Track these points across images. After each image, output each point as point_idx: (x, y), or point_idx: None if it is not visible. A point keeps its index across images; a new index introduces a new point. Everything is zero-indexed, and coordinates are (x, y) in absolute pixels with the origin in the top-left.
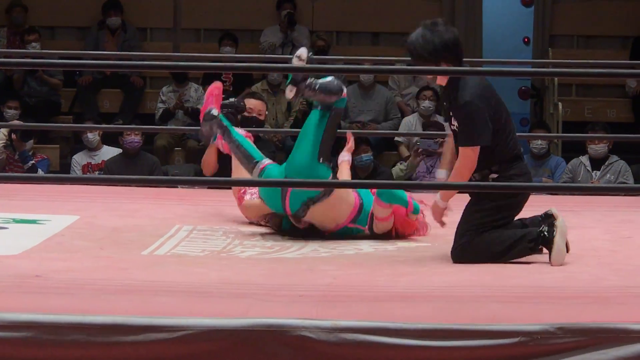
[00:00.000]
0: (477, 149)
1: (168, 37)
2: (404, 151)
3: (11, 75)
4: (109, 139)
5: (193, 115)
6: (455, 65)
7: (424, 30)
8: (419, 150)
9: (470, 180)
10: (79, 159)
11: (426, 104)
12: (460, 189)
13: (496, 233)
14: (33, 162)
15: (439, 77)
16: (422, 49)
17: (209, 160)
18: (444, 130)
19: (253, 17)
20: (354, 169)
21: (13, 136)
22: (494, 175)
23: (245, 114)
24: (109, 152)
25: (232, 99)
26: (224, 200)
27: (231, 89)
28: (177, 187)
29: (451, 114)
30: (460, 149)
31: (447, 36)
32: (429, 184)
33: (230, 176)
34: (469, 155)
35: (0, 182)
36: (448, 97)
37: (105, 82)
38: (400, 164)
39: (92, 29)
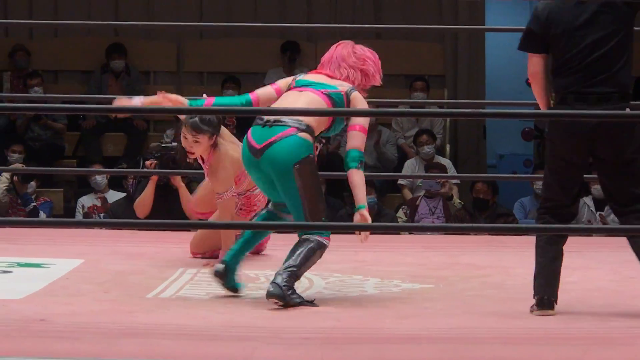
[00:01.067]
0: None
1: (171, 81)
2: (407, 194)
3: (15, 119)
4: (114, 182)
5: None
6: None
7: None
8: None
9: None
10: (85, 202)
11: (425, 149)
12: None
13: None
14: (34, 204)
15: None
16: None
17: (146, 202)
18: (446, 171)
19: (256, 60)
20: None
21: (15, 179)
22: None
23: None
24: (115, 195)
25: (167, 143)
26: None
27: (234, 132)
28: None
29: None
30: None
31: None
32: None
33: (166, 217)
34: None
35: (2, 226)
36: None
37: (108, 126)
38: (403, 208)
39: (95, 72)
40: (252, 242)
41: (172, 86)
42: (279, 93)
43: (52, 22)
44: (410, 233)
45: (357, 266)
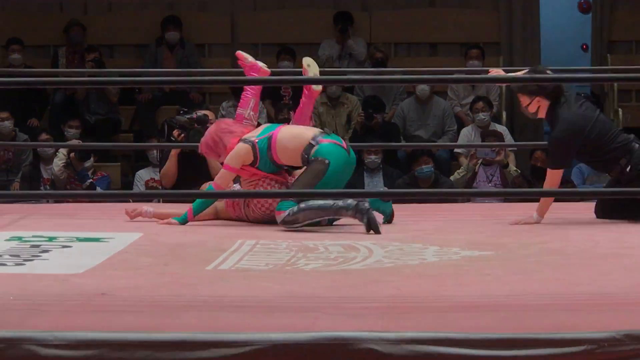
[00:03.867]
0: (560, 171)
1: (226, 53)
2: (463, 161)
3: (72, 94)
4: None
5: None
6: (552, 101)
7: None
8: (475, 155)
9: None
10: (143, 175)
11: (481, 116)
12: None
13: None
14: (91, 180)
15: (539, 111)
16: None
17: (171, 171)
18: (502, 139)
19: (310, 31)
20: (416, 179)
21: (71, 155)
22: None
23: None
24: None
25: (195, 113)
26: None
27: (290, 102)
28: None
29: None
30: (548, 170)
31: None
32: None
33: (190, 187)
34: (553, 176)
35: (60, 201)
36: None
37: (164, 99)
38: (458, 172)
39: (150, 46)
40: None
41: (226, 58)
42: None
43: None
44: (468, 200)
45: (416, 234)
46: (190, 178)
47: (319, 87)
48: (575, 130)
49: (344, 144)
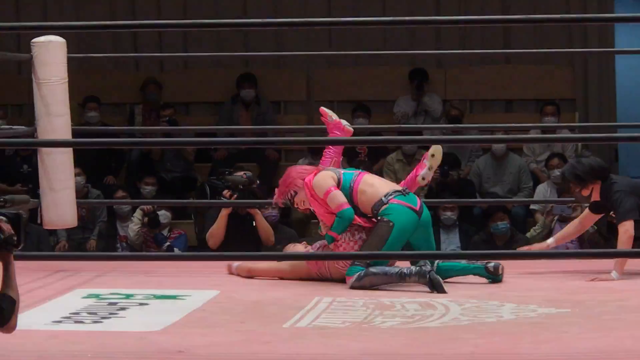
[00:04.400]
0: (630, 222)
1: (302, 110)
2: (539, 218)
3: (148, 152)
4: None
5: None
6: (603, 181)
7: (578, 159)
8: (551, 212)
9: None
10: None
11: (556, 172)
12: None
13: None
14: (168, 243)
15: (593, 194)
16: (576, 170)
17: (219, 232)
18: None
19: (386, 88)
20: (492, 236)
21: (144, 221)
22: None
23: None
24: None
25: (245, 174)
26: None
27: (366, 159)
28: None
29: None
30: (619, 226)
31: (594, 162)
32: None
33: (236, 249)
34: (625, 230)
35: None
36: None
37: (240, 157)
38: (534, 229)
39: (226, 103)
40: None
41: (302, 115)
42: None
43: (182, 55)
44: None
45: (493, 292)
46: (237, 240)
47: (422, 183)
48: (633, 185)
49: (417, 205)
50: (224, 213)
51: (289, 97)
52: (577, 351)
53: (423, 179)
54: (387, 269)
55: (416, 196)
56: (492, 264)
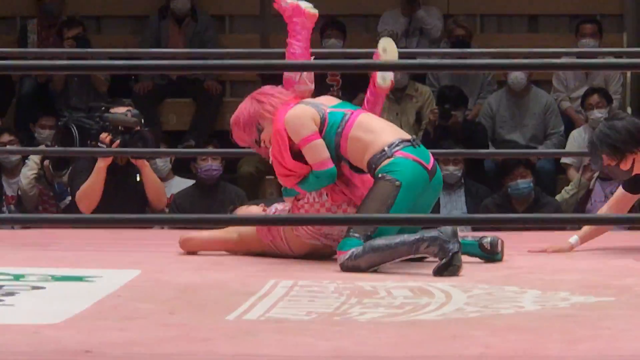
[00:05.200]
0: None
1: (253, 27)
2: (573, 175)
3: (45, 82)
4: (178, 166)
5: None
6: None
7: (610, 123)
8: (589, 167)
9: None
10: None
11: (596, 114)
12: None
13: None
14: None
15: (635, 166)
16: (609, 139)
17: (95, 191)
18: None
19: None
20: (510, 199)
21: (45, 163)
22: None
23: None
24: (180, 184)
25: (126, 111)
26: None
27: (340, 94)
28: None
29: None
30: None
31: (632, 125)
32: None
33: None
34: None
35: (31, 226)
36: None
37: (170, 90)
38: (566, 190)
39: (151, 17)
40: None
41: (254, 34)
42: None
43: None
44: (580, 228)
45: (510, 274)
46: (116, 200)
47: (387, 83)
48: None
49: (429, 161)
50: (101, 165)
51: (236, 10)
52: (621, 353)
53: (384, 79)
54: (392, 241)
55: (428, 151)
56: (487, 239)
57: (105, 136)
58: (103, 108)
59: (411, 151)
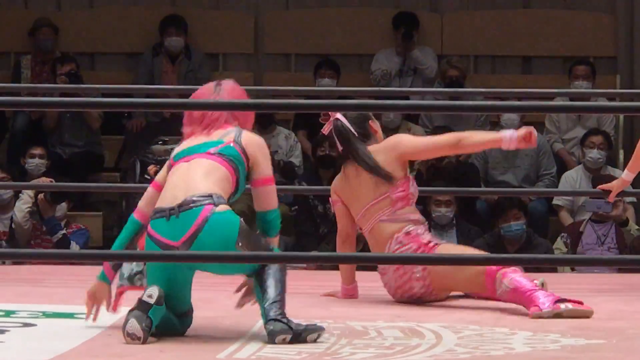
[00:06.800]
0: None
1: (247, 66)
2: (565, 218)
3: (38, 119)
4: None
5: (284, 171)
6: None
7: None
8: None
9: None
10: None
11: (594, 154)
12: None
13: None
14: (64, 232)
15: None
16: None
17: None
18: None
19: (362, 38)
20: (502, 239)
21: (40, 197)
22: None
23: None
24: None
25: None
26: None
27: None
28: None
29: None
30: None
31: None
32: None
33: None
34: None
35: (23, 262)
36: None
37: (162, 127)
38: (562, 237)
39: (144, 55)
40: None
41: (248, 72)
42: (160, 187)
43: None
44: (572, 270)
45: (500, 315)
46: None
47: None
48: None
49: (164, 239)
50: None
51: (230, 48)
52: None
53: None
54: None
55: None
56: None
57: (151, 167)
58: (160, 142)
59: (154, 225)
